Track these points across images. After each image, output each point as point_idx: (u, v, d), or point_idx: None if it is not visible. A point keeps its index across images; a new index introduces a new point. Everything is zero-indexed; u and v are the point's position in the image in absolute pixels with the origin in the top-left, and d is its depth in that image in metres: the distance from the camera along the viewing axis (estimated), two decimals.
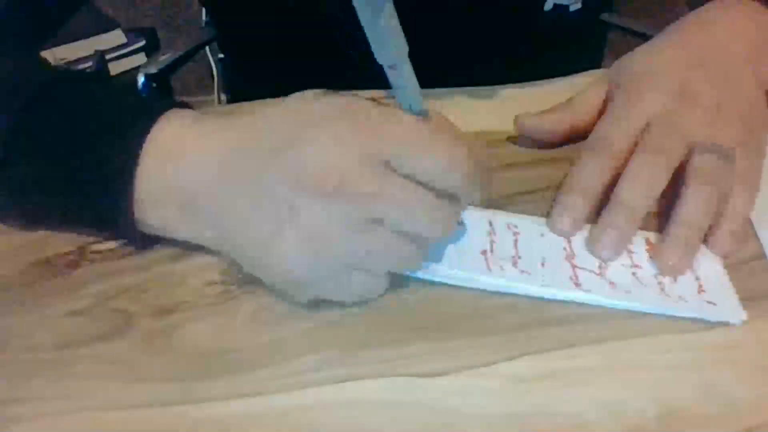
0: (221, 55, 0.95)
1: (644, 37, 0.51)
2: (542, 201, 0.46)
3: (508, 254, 0.40)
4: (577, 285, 0.38)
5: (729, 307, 0.37)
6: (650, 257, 0.40)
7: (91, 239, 0.42)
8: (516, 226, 0.42)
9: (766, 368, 0.35)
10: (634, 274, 0.39)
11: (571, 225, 0.42)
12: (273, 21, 0.64)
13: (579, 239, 0.41)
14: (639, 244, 0.41)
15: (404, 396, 0.33)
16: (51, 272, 0.40)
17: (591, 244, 0.41)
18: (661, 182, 0.41)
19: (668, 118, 0.43)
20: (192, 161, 0.36)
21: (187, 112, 0.38)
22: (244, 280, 0.39)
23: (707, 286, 0.39)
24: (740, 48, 0.47)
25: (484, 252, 0.40)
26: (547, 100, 0.50)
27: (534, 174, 0.48)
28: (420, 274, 0.39)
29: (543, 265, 0.39)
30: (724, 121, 0.43)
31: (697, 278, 0.39)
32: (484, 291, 0.38)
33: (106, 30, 1.46)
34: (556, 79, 0.57)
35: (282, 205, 0.33)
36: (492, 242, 0.41)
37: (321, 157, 0.32)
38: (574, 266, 0.39)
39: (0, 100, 0.38)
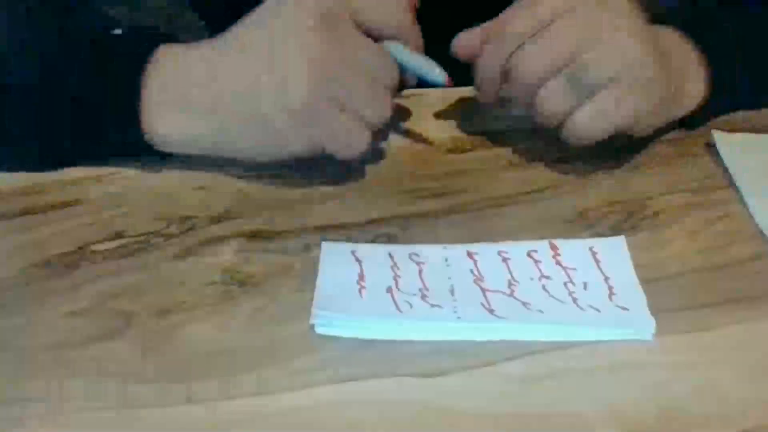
0: None
1: None
2: (542, 201, 0.46)
3: (415, 288, 0.38)
4: (491, 311, 0.37)
5: (640, 313, 0.37)
6: (556, 263, 0.40)
7: (91, 239, 0.42)
8: (418, 255, 0.41)
9: (766, 368, 0.35)
10: (544, 287, 0.39)
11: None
12: None
13: (485, 260, 0.40)
14: (543, 249, 0.41)
15: (404, 396, 0.33)
16: (51, 272, 0.40)
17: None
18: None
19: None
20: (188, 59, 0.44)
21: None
22: (244, 280, 0.39)
23: (618, 288, 0.38)
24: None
25: (389, 290, 0.38)
26: None
27: (534, 174, 0.48)
28: (324, 330, 0.36)
29: (453, 293, 0.38)
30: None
31: (607, 279, 0.39)
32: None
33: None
34: None
35: (274, 41, 0.42)
36: (396, 277, 0.39)
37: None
38: (484, 290, 0.38)
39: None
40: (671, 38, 0.48)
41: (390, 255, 0.41)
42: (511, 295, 0.38)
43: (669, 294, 0.39)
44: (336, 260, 0.40)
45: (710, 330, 0.37)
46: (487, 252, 0.41)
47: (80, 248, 0.41)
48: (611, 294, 0.38)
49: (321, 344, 0.36)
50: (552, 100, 0.44)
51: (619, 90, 0.43)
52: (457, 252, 0.41)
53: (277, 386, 0.34)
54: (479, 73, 0.46)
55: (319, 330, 0.36)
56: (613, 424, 0.32)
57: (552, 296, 0.38)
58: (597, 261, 0.40)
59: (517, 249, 0.41)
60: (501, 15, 0.46)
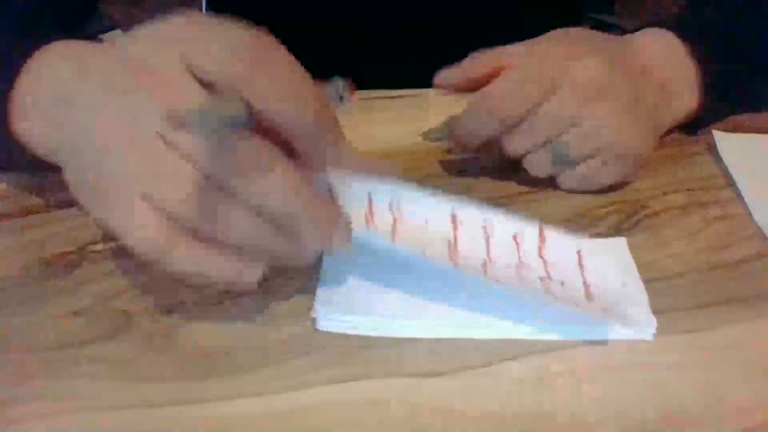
0: None
1: None
2: (542, 201, 0.46)
3: (386, 229, 0.38)
4: (456, 266, 0.37)
5: (641, 313, 0.37)
6: (539, 255, 0.40)
7: (91, 239, 0.42)
8: (399, 207, 0.39)
9: (766, 368, 0.35)
10: (520, 275, 0.38)
11: None
12: (275, 23, 0.64)
13: (465, 235, 0.39)
14: (531, 236, 0.40)
15: (404, 396, 0.33)
16: (51, 272, 0.40)
17: None
18: None
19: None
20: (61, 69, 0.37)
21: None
22: None
23: (619, 287, 0.38)
24: (652, 78, 0.47)
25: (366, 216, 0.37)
26: None
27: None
28: (325, 326, 0.36)
29: (423, 253, 0.37)
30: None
31: (608, 279, 0.39)
32: None
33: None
34: None
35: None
36: (369, 214, 0.38)
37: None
38: (455, 261, 0.38)
39: None
40: (668, 45, 0.49)
41: (369, 194, 0.39)
42: (485, 274, 0.38)
43: (669, 294, 0.39)
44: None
45: (710, 330, 0.37)
46: (468, 224, 0.40)
47: (80, 248, 0.41)
48: (612, 292, 0.38)
49: (321, 344, 0.36)
50: (536, 167, 0.47)
51: (600, 160, 0.46)
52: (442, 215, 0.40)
53: (277, 386, 0.34)
54: (462, 134, 0.47)
55: (320, 325, 0.36)
56: (613, 424, 0.32)
57: (524, 281, 0.38)
58: (598, 260, 0.40)
59: (502, 228, 0.40)
60: (490, 87, 0.45)
